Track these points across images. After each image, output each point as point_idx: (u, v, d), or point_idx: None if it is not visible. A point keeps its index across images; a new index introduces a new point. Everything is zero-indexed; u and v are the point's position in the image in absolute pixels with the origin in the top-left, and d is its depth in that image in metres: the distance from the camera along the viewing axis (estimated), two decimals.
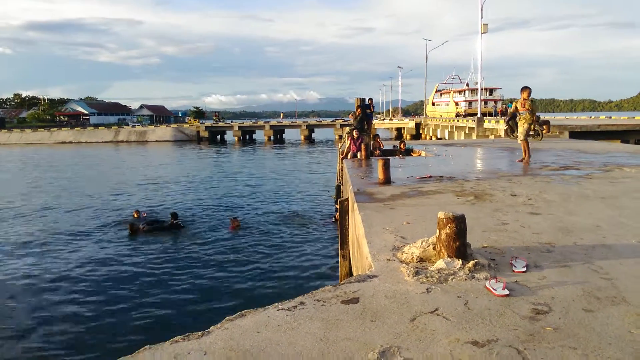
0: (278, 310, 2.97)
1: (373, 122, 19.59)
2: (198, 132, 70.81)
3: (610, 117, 33.02)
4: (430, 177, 8.58)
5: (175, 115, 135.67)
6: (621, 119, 28.44)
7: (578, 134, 20.88)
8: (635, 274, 3.44)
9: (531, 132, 18.26)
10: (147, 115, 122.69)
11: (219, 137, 74.48)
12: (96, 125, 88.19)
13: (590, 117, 35.55)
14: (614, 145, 16.15)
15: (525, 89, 11.11)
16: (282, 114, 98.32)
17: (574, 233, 4.58)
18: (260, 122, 79.93)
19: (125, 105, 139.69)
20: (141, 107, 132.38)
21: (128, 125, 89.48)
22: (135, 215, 15.78)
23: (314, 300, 3.11)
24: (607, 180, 7.90)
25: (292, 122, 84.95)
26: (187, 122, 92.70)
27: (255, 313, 2.93)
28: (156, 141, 68.53)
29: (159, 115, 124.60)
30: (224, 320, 2.82)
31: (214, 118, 77.63)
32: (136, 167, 34.58)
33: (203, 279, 9.99)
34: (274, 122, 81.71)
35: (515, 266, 3.60)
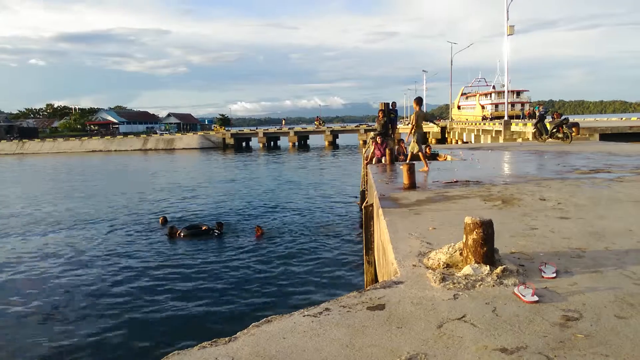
0: (304, 316, 2.98)
1: (397, 127, 19.50)
2: (224, 139, 71.72)
3: None
4: (456, 181, 8.49)
5: (202, 122, 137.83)
6: None
7: (609, 136, 20.40)
8: None
9: (560, 135, 17.97)
10: (175, 123, 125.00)
11: (244, 143, 75.31)
12: (125, 134, 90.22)
13: (622, 119, 34.65)
14: None
15: (414, 100, 10.99)
16: (283, 121, 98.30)
17: (605, 238, 4.47)
18: (285, 129, 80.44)
19: (154, 114, 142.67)
20: (169, 115, 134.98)
21: (156, 133, 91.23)
22: (162, 222, 16.08)
23: (339, 307, 3.12)
24: (639, 184, 7.69)
25: (316, 127, 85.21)
26: (213, 130, 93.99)
27: (281, 319, 2.95)
28: (183, 148, 69.63)
29: (186, 123, 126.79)
30: (250, 326, 2.85)
31: (316, 123, 77.40)
32: (165, 174, 35.19)
33: (229, 285, 10.07)
34: (298, 128, 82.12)
35: (544, 272, 3.53)
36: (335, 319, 2.91)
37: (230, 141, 71.24)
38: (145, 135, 79.35)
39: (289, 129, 77.46)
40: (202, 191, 25.20)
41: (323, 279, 10.26)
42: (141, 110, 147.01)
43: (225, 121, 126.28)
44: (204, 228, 14.39)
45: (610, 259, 3.83)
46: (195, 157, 54.94)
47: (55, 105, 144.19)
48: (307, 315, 2.99)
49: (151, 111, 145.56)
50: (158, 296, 9.59)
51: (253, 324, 2.89)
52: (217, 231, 14.18)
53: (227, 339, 2.69)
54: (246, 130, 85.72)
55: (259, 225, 14.62)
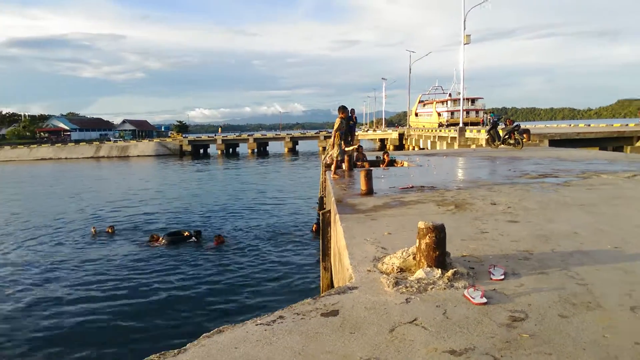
0: (256, 325, 2.94)
1: (357, 133, 19.70)
2: (181, 146, 70.62)
3: (589, 125, 33.66)
4: (412, 187, 8.63)
5: (159, 129, 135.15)
6: (599, 126, 29.02)
7: (558, 141, 21.25)
8: (610, 279, 3.49)
9: (511, 141, 18.59)
10: (130, 130, 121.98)
11: (202, 150, 74.33)
12: (77, 141, 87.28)
13: (570, 125, 36.21)
14: (593, 153, 16.43)
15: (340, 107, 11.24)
16: (220, 128, 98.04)
17: (551, 240, 4.64)
18: (244, 135, 79.88)
19: (108, 121, 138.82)
20: (124, 122, 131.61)
21: (110, 140, 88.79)
22: (109, 231, 15.76)
23: (293, 314, 3.09)
24: (585, 188, 8.02)
25: (276, 134, 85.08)
26: (170, 137, 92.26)
27: (233, 329, 2.90)
28: (138, 156, 68.02)
29: (142, 130, 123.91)
30: (200, 337, 2.79)
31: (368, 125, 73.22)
32: (117, 182, 34.21)
33: (182, 295, 9.85)
34: (257, 134, 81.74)
35: (493, 274, 3.62)
36: (288, 327, 2.89)
37: (188, 148, 70.22)
38: (97, 143, 77.09)
39: (276, 134, 77.02)
40: (157, 200, 24.64)
41: (280, 286, 10.21)
42: (95, 117, 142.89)
43: (182, 128, 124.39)
44: (185, 234, 14.30)
45: (555, 261, 3.97)
46: (151, 165, 53.73)
47: (3, 112, 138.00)
48: (260, 323, 2.96)
49: (106, 118, 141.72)
50: (104, 306, 9.30)
51: (204, 334, 2.83)
52: (194, 238, 14.06)
53: (176, 351, 2.62)
54: (204, 137, 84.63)
55: (218, 234, 14.44)
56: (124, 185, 32.45)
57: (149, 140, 78.33)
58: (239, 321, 3.03)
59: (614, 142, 21.67)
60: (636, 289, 3.27)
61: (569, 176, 9.59)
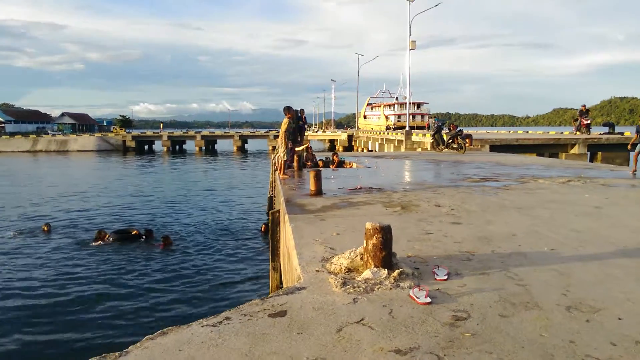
0: (202, 326, 2.88)
1: (306, 134, 19.74)
2: (124, 141, 68.32)
3: (527, 132, 35.21)
4: (360, 188, 8.74)
5: (100, 124, 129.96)
6: (537, 133, 30.40)
7: (498, 147, 22.09)
8: (547, 280, 3.66)
9: (455, 146, 19.20)
10: (69, 123, 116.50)
11: (146, 147, 72.23)
12: (13, 134, 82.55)
13: (509, 132, 37.77)
14: (530, 158, 17.22)
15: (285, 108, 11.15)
16: (161, 124, 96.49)
17: (492, 242, 4.82)
18: (191, 132, 78.28)
19: (45, 113, 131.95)
20: (63, 115, 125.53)
21: (48, 134, 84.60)
22: (45, 229, 15.00)
23: (240, 315, 3.05)
24: (523, 191, 8.39)
25: (224, 132, 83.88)
26: (112, 131, 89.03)
27: (178, 330, 2.83)
28: (78, 151, 65.25)
29: (82, 124, 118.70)
30: (144, 339, 2.70)
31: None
32: (55, 178, 32.65)
33: (127, 298, 9.49)
34: (205, 132, 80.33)
35: (437, 274, 3.72)
36: (235, 328, 2.85)
37: (132, 144, 68.05)
38: (34, 136, 73.24)
39: (225, 132, 75.67)
40: (99, 197, 23.71)
41: (229, 288, 10.06)
42: (31, 109, 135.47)
43: (126, 122, 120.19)
44: (134, 233, 13.85)
45: (495, 261, 4.13)
46: (92, 160, 51.69)
47: None
48: (206, 325, 2.90)
49: (43, 110, 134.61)
50: (45, 307, 8.85)
51: (147, 336, 2.74)
52: (144, 237, 13.69)
53: (117, 353, 2.53)
54: (149, 132, 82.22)
55: (165, 235, 14.00)
56: (63, 181, 31.01)
57: (90, 135, 75.34)
58: (187, 323, 2.96)
59: (550, 149, 22.78)
60: (571, 289, 3.45)
61: (508, 180, 9.99)
